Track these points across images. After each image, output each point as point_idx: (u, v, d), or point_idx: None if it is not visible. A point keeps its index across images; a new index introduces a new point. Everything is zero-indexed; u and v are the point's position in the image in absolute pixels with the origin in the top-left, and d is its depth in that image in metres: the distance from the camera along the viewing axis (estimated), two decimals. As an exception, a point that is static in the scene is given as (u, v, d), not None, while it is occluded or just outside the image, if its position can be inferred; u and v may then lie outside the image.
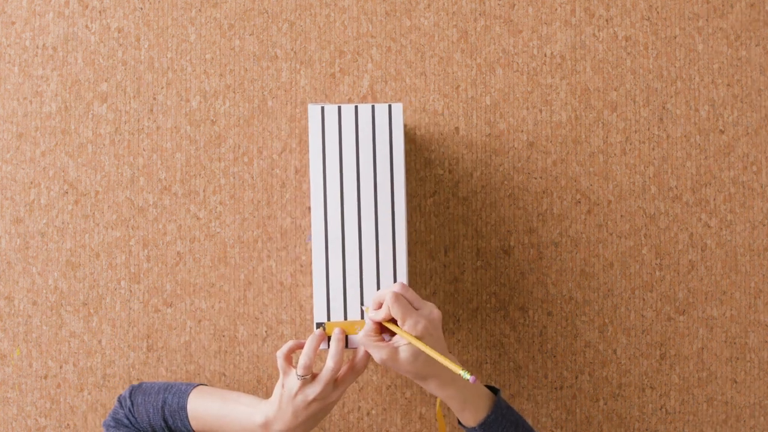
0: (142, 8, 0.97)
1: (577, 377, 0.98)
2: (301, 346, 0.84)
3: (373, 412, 0.97)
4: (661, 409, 0.98)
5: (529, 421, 0.97)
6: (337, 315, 0.86)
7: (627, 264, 0.97)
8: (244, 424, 0.84)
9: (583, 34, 0.98)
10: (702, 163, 0.98)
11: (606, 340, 0.98)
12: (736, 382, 0.98)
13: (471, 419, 0.82)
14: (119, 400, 0.87)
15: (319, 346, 0.84)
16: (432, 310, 0.81)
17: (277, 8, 0.97)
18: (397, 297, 0.80)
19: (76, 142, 0.97)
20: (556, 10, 0.97)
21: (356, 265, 0.86)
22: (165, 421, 0.85)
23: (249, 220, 0.97)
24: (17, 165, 0.97)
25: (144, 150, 0.97)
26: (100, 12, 0.97)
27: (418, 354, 0.79)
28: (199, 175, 0.97)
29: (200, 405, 0.85)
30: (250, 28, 0.97)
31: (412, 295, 0.82)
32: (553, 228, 0.97)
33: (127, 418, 0.86)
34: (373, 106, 0.85)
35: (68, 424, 0.97)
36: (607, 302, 0.98)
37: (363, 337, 0.81)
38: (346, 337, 0.85)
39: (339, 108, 0.85)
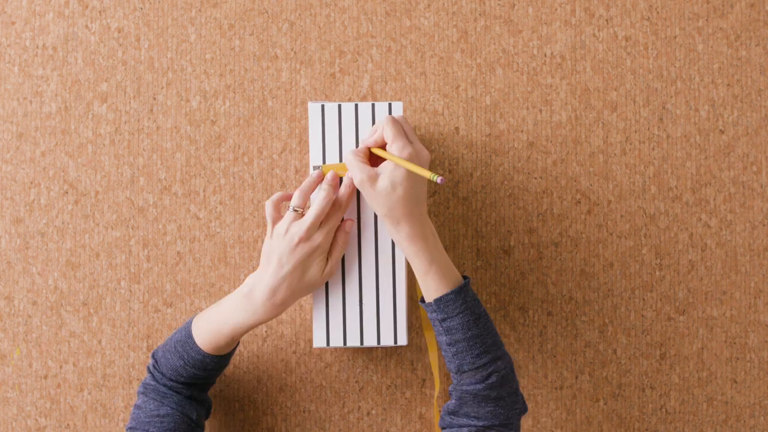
0: (142, 8, 0.97)
1: (577, 377, 0.98)
2: (289, 197, 0.85)
3: (373, 412, 0.97)
4: (661, 409, 0.98)
5: (530, 421, 0.97)
6: (336, 311, 0.86)
7: (627, 264, 0.97)
8: (235, 307, 0.82)
9: (583, 34, 0.98)
10: (702, 163, 0.98)
11: (606, 340, 0.98)
12: (736, 382, 0.98)
13: (431, 290, 0.80)
14: (147, 368, 0.87)
15: (315, 186, 0.84)
16: (423, 149, 0.81)
17: (277, 8, 0.97)
18: (394, 120, 0.80)
19: (76, 142, 0.97)
20: (556, 10, 0.97)
21: (355, 262, 0.86)
22: (182, 359, 0.84)
23: (249, 220, 0.97)
24: (17, 165, 0.97)
25: (144, 150, 0.97)
26: (100, 12, 0.97)
27: (396, 185, 0.78)
28: (199, 175, 0.97)
29: (201, 323, 0.84)
30: (250, 28, 0.97)
31: (408, 127, 0.82)
32: (553, 228, 0.97)
33: (154, 379, 0.85)
34: (373, 105, 0.85)
35: (68, 424, 0.97)
36: (607, 302, 0.98)
37: (349, 154, 0.81)
38: (340, 180, 0.84)
39: (339, 106, 0.85)
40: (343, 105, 0.85)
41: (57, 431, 0.97)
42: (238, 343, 0.89)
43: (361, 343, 0.86)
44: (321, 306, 0.86)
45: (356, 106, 0.85)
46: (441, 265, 0.80)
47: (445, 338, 0.80)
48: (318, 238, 0.81)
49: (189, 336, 0.84)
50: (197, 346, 0.83)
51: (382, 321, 0.86)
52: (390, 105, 0.85)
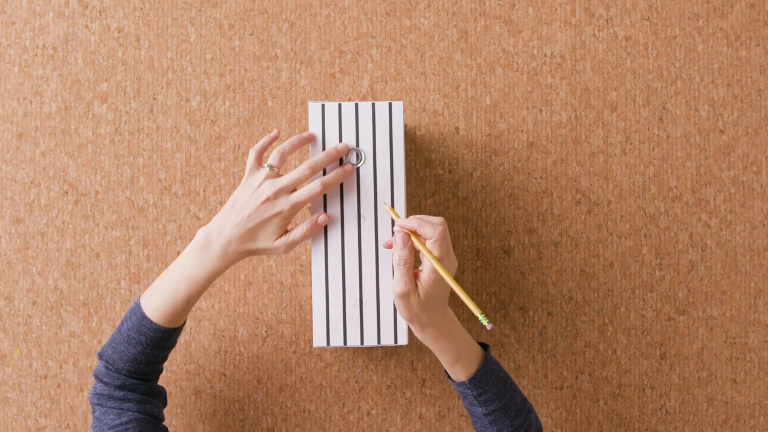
0: (142, 8, 0.97)
1: (577, 377, 0.98)
2: (272, 141, 0.84)
3: (373, 412, 0.97)
4: (661, 409, 0.98)
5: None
6: (336, 311, 0.86)
7: (627, 264, 0.97)
8: (188, 261, 0.81)
9: (583, 34, 0.98)
10: (702, 163, 0.98)
11: (606, 340, 0.98)
12: (736, 382, 0.98)
13: (462, 373, 0.81)
14: (94, 374, 0.83)
15: (301, 145, 0.84)
16: (454, 258, 0.81)
17: (277, 8, 0.97)
18: (445, 235, 0.79)
19: (76, 142, 0.97)
20: (556, 10, 0.97)
21: (355, 262, 0.86)
22: (140, 344, 0.81)
23: (249, 220, 0.97)
24: (17, 165, 0.97)
25: (144, 150, 0.97)
26: (100, 12, 0.97)
27: (430, 300, 0.78)
28: (199, 175, 0.97)
29: (151, 299, 0.82)
30: (250, 28, 0.97)
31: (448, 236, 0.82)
32: (553, 228, 0.97)
33: (105, 384, 0.82)
34: (373, 104, 0.85)
35: (68, 424, 0.97)
36: (607, 302, 0.98)
37: (400, 262, 0.79)
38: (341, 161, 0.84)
39: (339, 106, 0.85)
40: (344, 105, 0.85)
41: (57, 431, 0.97)
42: (186, 323, 0.87)
43: (362, 342, 0.86)
44: (321, 305, 0.86)
45: (356, 105, 0.85)
46: (466, 350, 0.82)
47: (481, 409, 0.82)
48: (282, 204, 0.80)
49: (142, 317, 0.81)
50: (153, 323, 0.81)
51: (383, 321, 0.86)
52: (390, 105, 0.85)
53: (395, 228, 0.81)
